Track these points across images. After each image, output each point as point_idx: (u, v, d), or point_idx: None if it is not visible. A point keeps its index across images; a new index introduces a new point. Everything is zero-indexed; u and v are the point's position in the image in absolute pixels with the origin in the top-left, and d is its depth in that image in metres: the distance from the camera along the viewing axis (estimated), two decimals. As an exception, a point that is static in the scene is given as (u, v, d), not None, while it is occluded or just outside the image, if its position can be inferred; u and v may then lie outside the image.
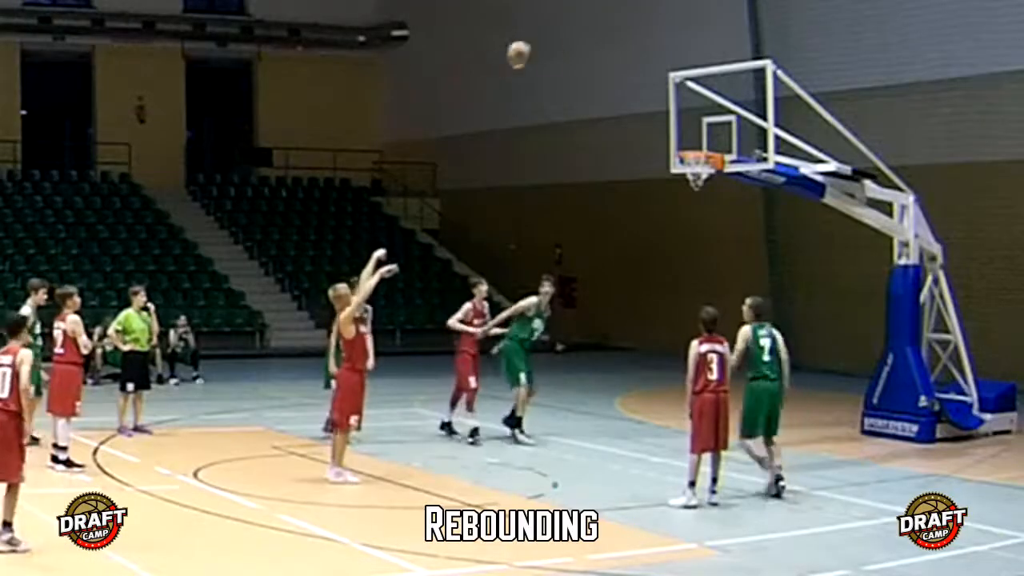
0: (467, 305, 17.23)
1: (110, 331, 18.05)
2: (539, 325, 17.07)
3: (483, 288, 17.54)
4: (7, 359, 10.60)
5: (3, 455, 10.53)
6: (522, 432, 16.82)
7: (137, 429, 17.40)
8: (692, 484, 13.02)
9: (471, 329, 16.98)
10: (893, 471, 15.38)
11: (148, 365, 18.58)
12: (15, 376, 10.50)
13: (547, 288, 17.07)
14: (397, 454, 15.82)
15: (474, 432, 16.77)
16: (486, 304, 17.55)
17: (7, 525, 10.58)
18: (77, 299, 15.30)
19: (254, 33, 39.58)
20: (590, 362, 29.01)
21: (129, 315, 17.73)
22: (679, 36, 29.07)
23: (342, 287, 14.79)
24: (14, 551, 10.51)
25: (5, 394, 10.50)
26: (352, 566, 10.75)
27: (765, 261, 28.75)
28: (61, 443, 14.59)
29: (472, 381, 16.86)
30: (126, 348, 17.67)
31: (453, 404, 17.29)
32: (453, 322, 17.16)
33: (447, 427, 17.35)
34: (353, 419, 14.10)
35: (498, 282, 34.02)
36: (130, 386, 17.41)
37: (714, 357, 13.33)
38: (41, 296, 16.07)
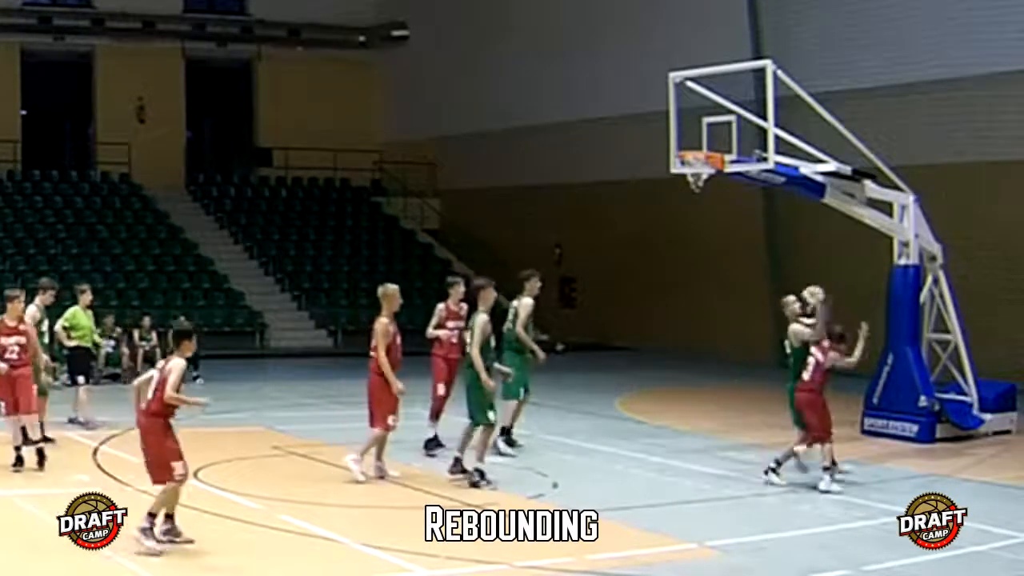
0: (440, 306, 16.22)
1: (56, 328, 18.05)
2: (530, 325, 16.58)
3: (460, 289, 16.37)
4: (159, 364, 10.92)
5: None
6: (507, 443, 16.15)
7: (72, 421, 17.74)
8: (825, 469, 13.88)
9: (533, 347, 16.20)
10: (893, 471, 15.38)
11: (92, 360, 19.21)
12: (161, 383, 10.67)
13: (537, 283, 16.47)
14: (397, 454, 15.78)
15: (431, 442, 15.98)
16: (464, 306, 16.13)
17: (168, 517, 10.71)
18: (49, 295, 16.29)
19: (254, 33, 39.62)
20: (590, 362, 29.01)
21: (76, 312, 18.24)
22: (679, 36, 29.08)
23: (392, 287, 14.37)
24: (173, 542, 10.68)
25: (145, 402, 10.76)
26: (352, 566, 10.76)
27: (765, 261, 28.76)
28: (33, 438, 14.55)
29: (441, 388, 16.00)
30: (71, 344, 18.17)
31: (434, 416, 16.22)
32: (430, 331, 16.18)
33: (432, 442, 16.10)
34: (391, 419, 14.06)
35: (499, 282, 34.04)
36: (81, 379, 17.85)
37: (811, 361, 14.16)
38: (48, 296, 16.64)
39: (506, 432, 16.27)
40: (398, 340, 14.22)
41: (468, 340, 13.96)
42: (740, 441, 17.57)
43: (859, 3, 26.51)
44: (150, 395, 10.76)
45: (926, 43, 24.76)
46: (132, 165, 37.37)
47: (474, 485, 13.56)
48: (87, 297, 18.47)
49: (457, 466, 13.97)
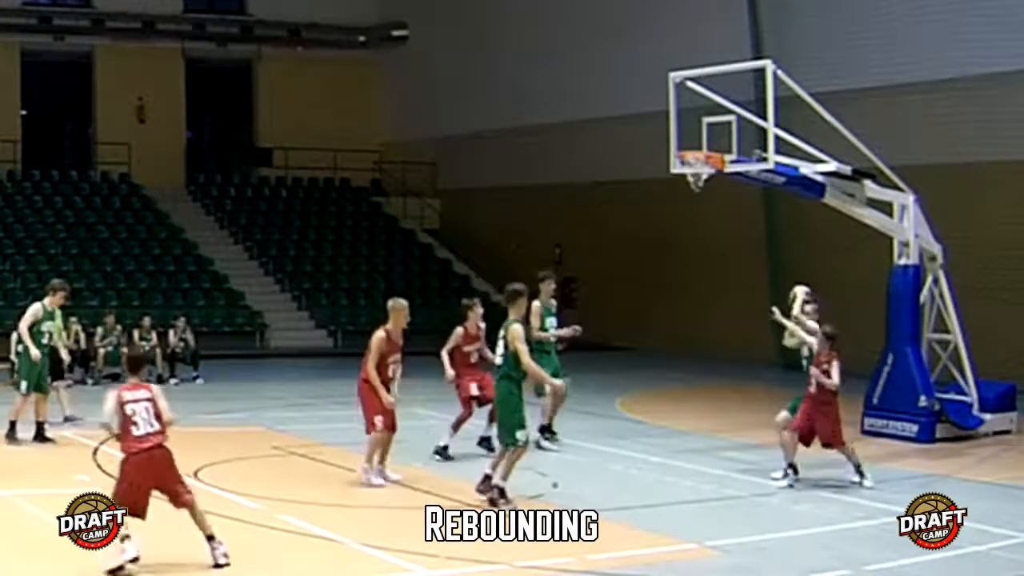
0: (458, 330, 15.89)
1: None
2: (552, 323, 16.60)
3: (479, 310, 16.10)
4: (144, 394, 10.42)
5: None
6: (548, 439, 16.44)
7: (67, 420, 17.96)
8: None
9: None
10: (893, 471, 15.37)
11: (62, 360, 19.17)
12: (156, 407, 10.36)
13: (551, 285, 16.68)
14: (397, 454, 15.76)
15: (443, 450, 15.79)
16: (483, 326, 16.11)
17: (211, 539, 10.38)
18: (59, 296, 16.78)
19: (254, 33, 39.64)
20: (590, 362, 28.99)
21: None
22: (679, 36, 29.07)
23: (400, 302, 14.25)
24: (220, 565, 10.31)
25: (157, 427, 10.35)
26: (352, 566, 10.76)
27: (765, 261, 28.75)
28: None
29: (474, 405, 15.83)
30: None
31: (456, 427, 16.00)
32: (444, 355, 15.88)
33: (443, 451, 15.88)
34: (378, 419, 13.95)
35: (498, 282, 34.05)
36: (49, 379, 17.86)
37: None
38: (59, 298, 16.98)
39: (546, 428, 16.50)
40: (391, 359, 13.88)
41: (501, 351, 12.85)
42: (740, 441, 17.57)
43: (859, 3, 26.52)
44: (157, 426, 10.31)
45: (926, 43, 24.76)
46: (132, 165, 37.38)
47: (492, 503, 12.55)
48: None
49: (485, 483, 12.89)
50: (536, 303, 16.39)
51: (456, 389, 16.01)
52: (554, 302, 17.02)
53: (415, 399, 19.74)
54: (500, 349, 12.92)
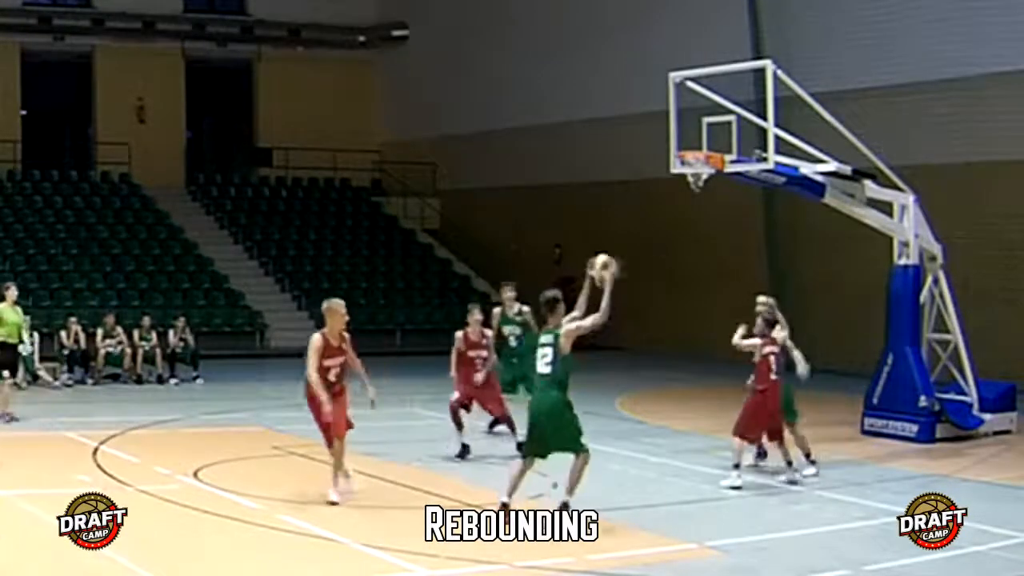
0: (457, 334, 16.05)
1: None
2: (511, 330, 16.94)
3: (477, 316, 16.09)
4: None
5: None
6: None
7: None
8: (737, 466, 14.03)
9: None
10: (893, 471, 15.37)
11: (18, 356, 19.51)
12: None
13: (507, 292, 17.28)
14: (397, 454, 15.80)
15: (463, 449, 15.84)
16: (486, 330, 16.23)
17: None
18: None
19: (254, 33, 39.64)
20: (590, 362, 28.97)
21: (3, 309, 18.79)
22: (679, 36, 29.08)
23: (334, 303, 13.18)
24: None
25: None
26: (352, 566, 10.75)
27: (765, 261, 28.75)
28: None
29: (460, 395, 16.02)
30: None
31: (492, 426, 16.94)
32: (453, 375, 16.04)
33: (463, 450, 15.91)
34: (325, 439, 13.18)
35: (498, 282, 34.04)
36: (6, 374, 18.29)
37: (773, 358, 14.98)
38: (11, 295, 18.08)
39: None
40: (329, 362, 12.86)
41: (550, 359, 12.60)
42: (740, 441, 17.55)
43: (859, 3, 26.52)
44: None
45: (926, 43, 24.77)
46: (132, 165, 37.37)
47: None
48: (12, 293, 19.12)
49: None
50: (496, 310, 16.79)
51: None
52: (527, 308, 16.84)
53: (415, 399, 19.74)
54: (549, 358, 12.45)
